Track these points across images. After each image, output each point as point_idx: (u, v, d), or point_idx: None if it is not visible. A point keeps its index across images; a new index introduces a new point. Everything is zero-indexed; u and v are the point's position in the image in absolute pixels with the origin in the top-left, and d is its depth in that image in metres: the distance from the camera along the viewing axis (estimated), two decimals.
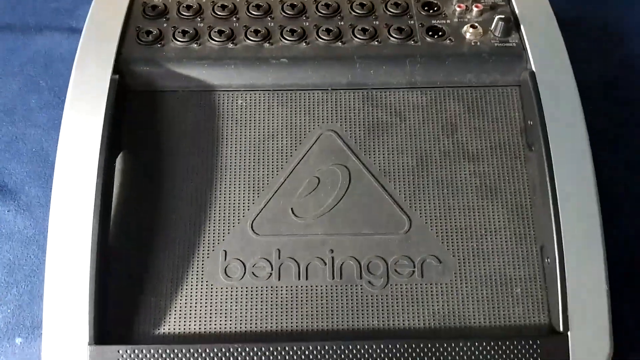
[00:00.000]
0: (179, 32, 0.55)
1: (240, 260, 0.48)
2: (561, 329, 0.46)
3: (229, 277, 0.48)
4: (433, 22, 0.57)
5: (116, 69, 0.52)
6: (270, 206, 0.50)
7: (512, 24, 0.55)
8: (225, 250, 0.49)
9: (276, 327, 0.47)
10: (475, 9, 0.57)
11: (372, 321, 0.47)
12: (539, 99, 0.51)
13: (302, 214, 0.50)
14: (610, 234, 0.48)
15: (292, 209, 0.50)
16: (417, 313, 0.47)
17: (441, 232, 0.49)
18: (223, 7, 0.57)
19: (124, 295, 0.47)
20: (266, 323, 0.47)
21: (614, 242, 0.52)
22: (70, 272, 0.46)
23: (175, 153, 0.51)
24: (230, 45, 0.54)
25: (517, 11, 0.57)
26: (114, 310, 0.46)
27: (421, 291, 0.48)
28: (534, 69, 0.53)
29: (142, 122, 0.52)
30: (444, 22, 0.57)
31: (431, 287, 0.48)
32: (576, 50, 0.55)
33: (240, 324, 0.47)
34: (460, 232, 0.49)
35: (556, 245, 0.47)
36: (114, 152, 0.51)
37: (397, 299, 0.48)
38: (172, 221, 0.49)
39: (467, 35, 0.56)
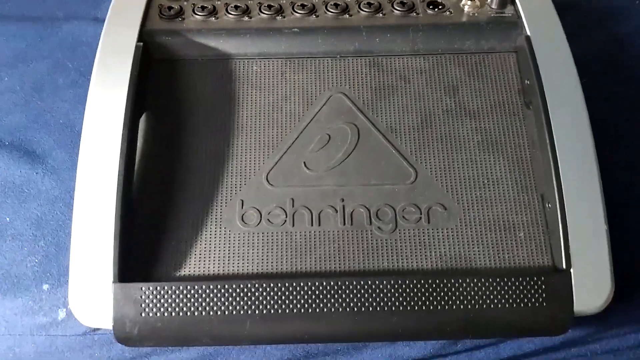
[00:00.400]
0: (198, 7, 0.58)
1: (256, 209, 0.50)
2: (564, 266, 0.47)
3: (245, 223, 0.50)
4: None
5: (140, 39, 0.56)
6: (284, 160, 0.52)
7: None
8: (242, 200, 0.51)
9: (290, 268, 0.48)
10: None
11: (382, 263, 0.48)
12: (534, 59, 0.54)
13: (314, 167, 0.52)
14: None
15: (304, 162, 0.52)
16: (425, 256, 0.49)
17: (446, 183, 0.51)
18: None
19: (146, 239, 0.49)
20: (281, 265, 0.48)
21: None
22: (96, 216, 0.48)
23: (195, 114, 0.54)
24: (246, 19, 0.58)
25: None
26: (137, 252, 0.48)
27: (428, 236, 0.49)
28: (529, 34, 0.56)
29: (164, 87, 0.55)
30: None
31: (437, 232, 0.49)
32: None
33: (256, 266, 0.48)
34: (464, 183, 0.51)
35: (556, 192, 0.49)
36: (138, 113, 0.53)
37: (405, 243, 0.49)
38: (193, 173, 0.51)
39: (466, 8, 0.59)
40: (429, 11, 0.58)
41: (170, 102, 0.55)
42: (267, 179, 0.51)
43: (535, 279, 0.46)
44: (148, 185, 0.51)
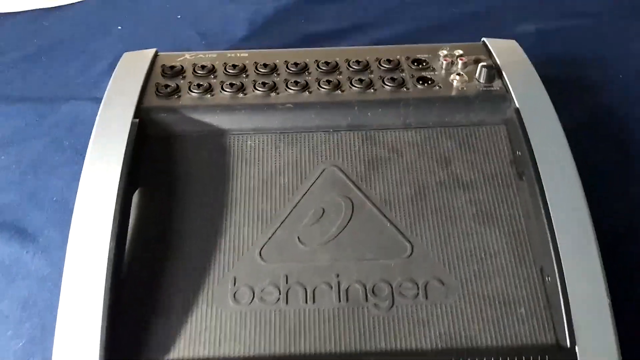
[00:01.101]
0: (194, 85, 0.58)
1: (249, 286, 0.48)
2: (568, 344, 0.44)
3: (238, 302, 0.47)
4: (422, 73, 0.60)
5: (137, 116, 0.55)
6: (278, 235, 0.50)
7: (495, 71, 0.59)
8: (234, 277, 0.48)
9: (285, 350, 0.45)
10: (460, 62, 0.61)
11: (380, 343, 0.45)
12: (524, 130, 0.53)
13: (308, 241, 0.50)
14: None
15: (298, 237, 0.50)
16: (424, 334, 0.46)
17: (442, 256, 0.49)
18: (234, 66, 0.61)
19: (135, 319, 0.46)
20: (274, 347, 0.45)
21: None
22: (83, 297, 0.45)
23: (188, 189, 0.52)
24: (241, 95, 0.57)
25: (498, 62, 0.61)
26: (124, 334, 0.45)
27: (426, 312, 0.46)
28: (517, 106, 0.56)
29: (158, 163, 0.54)
30: (432, 73, 0.60)
31: (436, 308, 0.47)
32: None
33: (249, 348, 0.45)
34: (461, 256, 0.49)
35: (555, 264, 0.46)
36: (131, 189, 0.52)
37: (403, 321, 0.46)
38: (184, 251, 0.49)
39: (455, 83, 0.59)
40: (419, 86, 0.58)
41: (164, 177, 0.53)
42: (260, 255, 0.49)
43: (539, 358, 0.43)
44: (139, 263, 0.48)
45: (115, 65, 0.75)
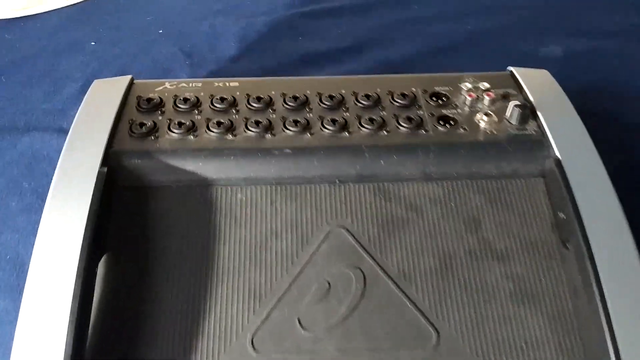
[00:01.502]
0: (174, 123, 0.48)
1: None
2: None
3: None
4: (443, 111, 0.51)
5: (105, 162, 0.45)
6: (274, 317, 0.40)
7: (529, 111, 0.50)
8: None
9: None
10: (487, 98, 0.52)
11: None
12: (569, 189, 0.44)
13: (310, 325, 0.40)
14: None
15: (298, 319, 0.40)
16: None
17: (475, 346, 0.40)
18: (222, 99, 0.51)
19: None
20: None
21: None
22: None
23: (166, 255, 0.43)
24: (230, 137, 0.48)
25: (531, 98, 0.52)
26: None
27: None
28: (558, 156, 0.47)
29: (130, 220, 0.44)
30: (455, 111, 0.51)
31: None
32: None
33: None
34: (497, 345, 0.40)
35: (613, 356, 0.38)
36: (97, 254, 0.42)
37: None
38: (158, 334, 0.39)
39: (481, 124, 0.49)
40: (440, 128, 0.49)
41: (137, 238, 0.43)
42: (252, 343, 0.39)
43: None
44: (103, 350, 0.39)
45: (87, 89, 0.65)
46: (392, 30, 0.73)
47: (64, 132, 0.59)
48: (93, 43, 0.72)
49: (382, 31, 0.73)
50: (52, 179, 0.44)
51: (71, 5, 0.79)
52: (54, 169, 0.46)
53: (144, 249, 0.43)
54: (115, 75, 0.67)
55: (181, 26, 0.74)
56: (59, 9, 0.78)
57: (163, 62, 0.68)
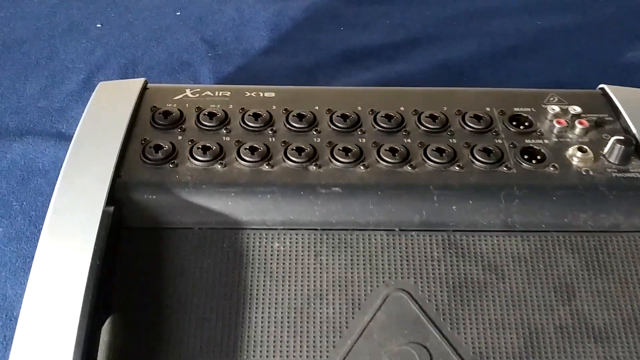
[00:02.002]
0: (198, 147, 0.42)
1: None
2: None
3: None
4: (527, 141, 0.44)
5: (111, 198, 0.39)
6: None
7: (633, 147, 0.42)
8: None
9: None
10: (579, 126, 0.44)
11: None
12: None
13: None
14: None
15: None
16: None
17: None
18: (256, 116, 0.44)
19: None
20: None
21: None
22: None
23: (183, 319, 0.37)
24: (266, 167, 0.41)
25: (633, 129, 0.45)
26: None
27: None
28: None
29: (140, 272, 0.38)
30: (541, 141, 0.44)
31: None
32: None
33: None
34: None
35: None
36: (101, 316, 0.36)
37: None
38: None
39: (574, 161, 0.42)
40: (525, 165, 0.42)
41: (148, 297, 0.37)
42: None
43: None
44: None
45: (90, 83, 0.58)
46: (451, 23, 0.66)
47: (63, 137, 0.53)
48: (99, 25, 0.65)
49: (440, 24, 0.65)
50: (49, 201, 0.38)
51: None
52: (50, 186, 0.40)
53: (156, 310, 0.37)
54: (124, 67, 0.61)
55: (202, 8, 0.67)
56: None
57: (180, 52, 0.61)
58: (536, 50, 0.64)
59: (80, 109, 0.48)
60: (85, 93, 0.56)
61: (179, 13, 0.66)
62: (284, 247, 0.39)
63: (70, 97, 0.57)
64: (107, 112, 0.44)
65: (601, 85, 0.50)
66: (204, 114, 0.44)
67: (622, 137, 0.42)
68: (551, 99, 0.48)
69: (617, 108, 0.47)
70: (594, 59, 0.62)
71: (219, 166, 0.41)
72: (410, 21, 0.65)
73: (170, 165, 0.41)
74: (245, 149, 0.42)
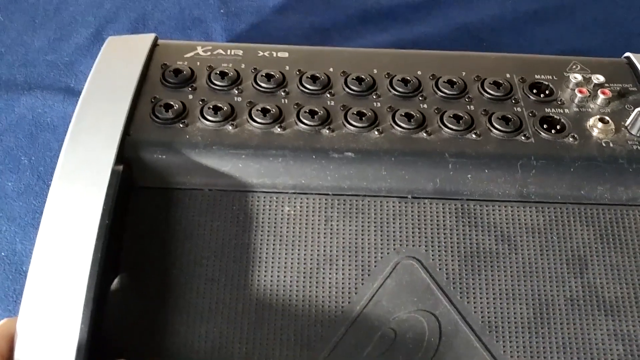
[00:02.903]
0: (209, 107, 0.41)
1: None
2: None
3: None
4: (547, 110, 0.43)
5: (121, 157, 0.39)
6: None
7: None
8: None
9: None
10: (601, 96, 0.43)
11: None
12: None
13: None
14: None
15: None
16: None
17: None
18: (268, 77, 0.44)
19: None
20: None
21: None
22: None
23: (192, 281, 0.37)
24: (278, 130, 0.41)
25: None
26: None
27: None
28: None
29: (150, 232, 0.38)
30: (561, 111, 0.43)
31: None
32: None
33: None
34: None
35: None
36: (109, 276, 0.36)
37: None
38: None
39: (595, 132, 0.42)
40: (543, 134, 0.41)
41: (157, 257, 0.38)
42: None
43: None
44: None
45: (99, 37, 0.58)
46: None
47: (71, 92, 0.53)
48: None
49: None
50: (57, 156, 0.38)
51: None
52: (59, 142, 0.40)
53: (165, 270, 0.37)
54: (134, 22, 0.59)
55: None
56: None
57: (192, 8, 0.59)
58: (560, 16, 0.62)
59: (89, 64, 0.47)
60: (94, 47, 0.56)
61: None
62: (294, 211, 0.39)
63: (78, 51, 0.56)
64: (116, 68, 0.44)
65: (627, 54, 0.48)
66: (216, 73, 0.44)
67: None
68: (574, 66, 0.47)
69: None
70: (620, 27, 0.61)
71: (230, 127, 0.41)
72: None
73: (181, 125, 0.41)
74: (257, 110, 0.41)
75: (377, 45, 0.57)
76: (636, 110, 0.42)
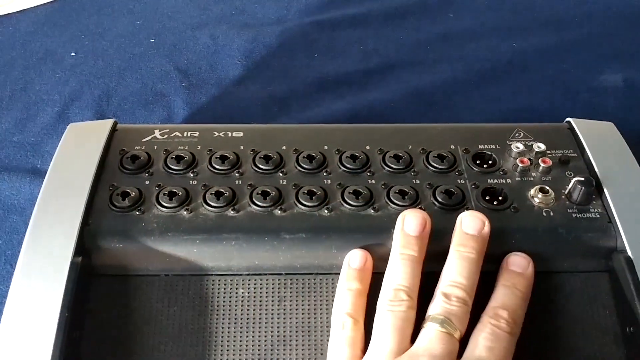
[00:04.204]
0: (164, 193, 0.43)
1: None
2: None
3: None
4: (489, 181, 0.46)
5: (81, 246, 0.40)
6: None
7: (594, 188, 0.44)
8: None
9: None
10: (542, 165, 0.46)
11: None
12: None
13: None
14: None
15: None
16: None
17: None
18: (223, 158, 0.46)
19: None
20: None
21: None
22: None
23: None
24: (231, 212, 0.43)
25: (594, 166, 0.46)
26: None
27: None
28: (628, 251, 0.41)
29: (111, 320, 0.40)
30: (503, 181, 0.46)
31: None
32: None
33: None
34: None
35: None
36: None
37: None
38: None
39: (536, 202, 0.44)
40: (485, 206, 0.44)
41: (117, 344, 0.39)
42: None
43: None
44: None
45: (64, 115, 0.60)
46: (425, 47, 0.67)
47: (38, 173, 0.55)
48: (73, 54, 0.66)
49: (414, 49, 0.67)
50: (22, 240, 0.40)
51: (47, 3, 0.72)
52: (26, 225, 0.42)
53: (125, 357, 0.38)
54: (98, 99, 0.62)
55: (176, 35, 0.68)
56: (33, 7, 0.72)
57: (154, 82, 0.62)
58: (510, 74, 0.65)
59: (55, 143, 0.49)
60: (59, 126, 0.58)
61: (153, 40, 0.68)
62: (248, 292, 0.41)
63: (44, 130, 0.58)
64: (76, 157, 0.46)
65: (567, 119, 0.52)
66: (172, 157, 0.46)
67: (582, 178, 0.44)
68: (517, 134, 0.50)
69: (582, 143, 0.48)
70: (568, 83, 0.64)
71: (185, 212, 0.43)
72: (384, 46, 0.67)
73: (137, 213, 0.43)
74: (211, 194, 0.43)
75: (334, 112, 0.59)
76: (573, 179, 0.44)
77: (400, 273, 0.39)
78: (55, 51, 0.66)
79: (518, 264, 0.41)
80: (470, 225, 0.41)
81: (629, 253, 0.41)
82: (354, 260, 0.41)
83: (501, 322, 0.37)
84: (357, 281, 0.40)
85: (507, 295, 0.39)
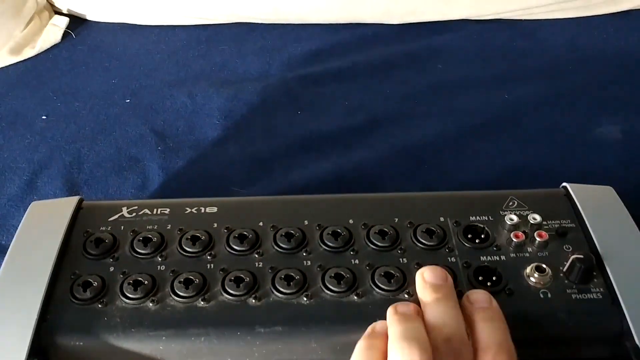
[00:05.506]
0: (129, 283, 0.40)
1: None
2: None
3: None
4: (482, 258, 0.43)
5: (37, 344, 0.37)
6: None
7: (593, 266, 0.41)
8: None
9: None
10: (538, 239, 0.43)
11: None
12: None
13: None
14: None
15: None
16: None
17: None
18: (194, 239, 0.43)
19: None
20: None
21: None
22: None
23: None
24: (201, 303, 0.40)
25: (594, 238, 0.44)
26: None
27: None
28: (635, 337, 0.38)
29: None
30: (497, 258, 0.43)
31: None
32: None
33: None
34: None
35: None
36: None
37: None
38: None
39: (532, 282, 0.41)
40: (476, 286, 0.41)
41: None
42: None
43: None
44: None
45: (32, 186, 0.57)
46: (413, 101, 0.65)
47: (3, 250, 0.52)
48: (44, 117, 0.64)
49: (401, 103, 0.65)
50: None
51: (20, 62, 0.71)
52: None
53: None
54: (69, 166, 0.59)
55: (153, 94, 0.66)
56: (4, 67, 0.70)
57: (129, 146, 0.60)
58: (502, 127, 0.63)
59: (20, 217, 0.47)
60: (27, 197, 0.55)
61: (128, 100, 0.66)
62: None
63: (11, 202, 0.56)
64: (37, 240, 0.43)
65: (564, 184, 0.49)
66: (139, 240, 0.43)
67: (581, 255, 0.41)
68: (510, 203, 0.47)
69: (580, 213, 0.46)
70: (563, 137, 0.62)
71: (151, 304, 0.40)
72: (370, 101, 0.65)
73: (99, 305, 0.40)
74: (180, 282, 0.41)
75: (319, 174, 0.57)
76: (571, 257, 0.41)
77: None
78: (26, 114, 0.64)
79: (482, 300, 0.38)
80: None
81: (636, 339, 0.38)
82: None
83: None
84: None
85: (493, 330, 0.36)
